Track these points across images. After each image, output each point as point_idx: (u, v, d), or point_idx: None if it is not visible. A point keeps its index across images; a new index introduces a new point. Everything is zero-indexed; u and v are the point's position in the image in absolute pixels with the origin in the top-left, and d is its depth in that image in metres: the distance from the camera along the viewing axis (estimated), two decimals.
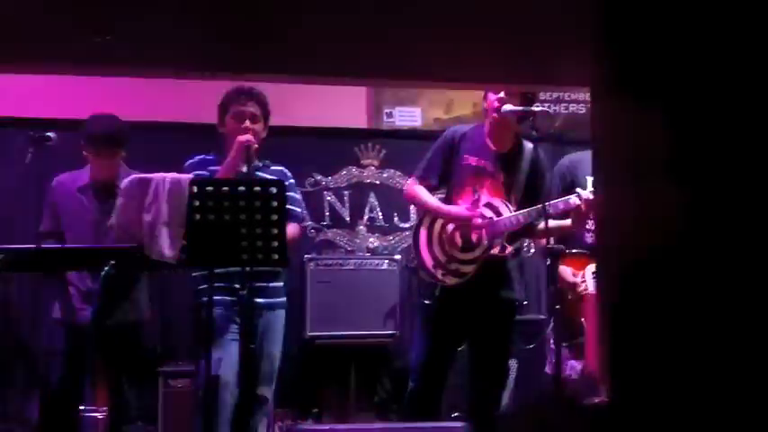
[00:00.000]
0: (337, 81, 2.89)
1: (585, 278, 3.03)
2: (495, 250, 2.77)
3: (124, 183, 2.37)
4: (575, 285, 2.88)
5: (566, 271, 2.93)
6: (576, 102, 4.58)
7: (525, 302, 3.40)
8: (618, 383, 1.61)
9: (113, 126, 2.97)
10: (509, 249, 2.79)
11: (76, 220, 2.93)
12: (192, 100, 3.66)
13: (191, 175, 2.44)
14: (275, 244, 2.37)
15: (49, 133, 2.64)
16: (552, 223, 2.70)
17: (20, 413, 3.26)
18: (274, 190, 2.36)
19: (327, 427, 2.35)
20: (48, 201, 2.97)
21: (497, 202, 2.81)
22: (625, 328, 1.63)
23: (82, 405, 2.71)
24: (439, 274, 2.79)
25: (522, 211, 2.78)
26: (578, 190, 2.73)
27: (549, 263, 2.69)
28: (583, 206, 2.69)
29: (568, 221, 2.81)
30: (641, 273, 1.67)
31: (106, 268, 2.34)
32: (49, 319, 2.94)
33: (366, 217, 4.29)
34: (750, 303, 1.21)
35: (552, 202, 2.73)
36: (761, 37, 1.19)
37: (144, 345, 3.10)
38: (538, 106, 2.75)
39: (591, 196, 2.65)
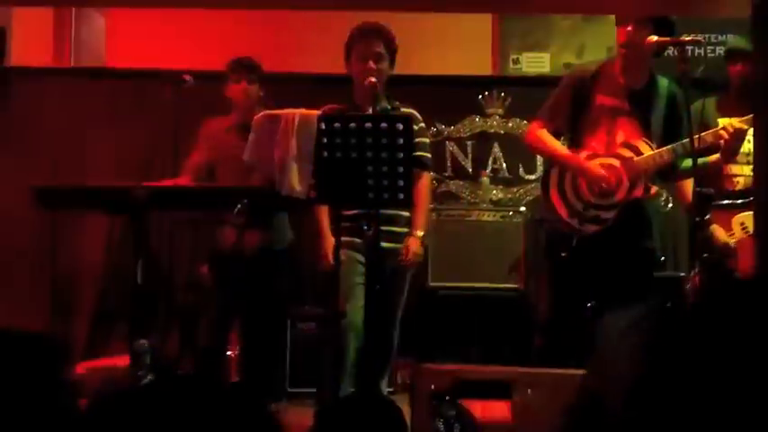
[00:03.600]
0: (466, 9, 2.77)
1: (734, 232, 2.81)
2: (638, 192, 2.58)
3: (255, 118, 2.41)
4: (727, 245, 2.74)
5: (719, 231, 2.78)
6: (721, 44, 4.19)
7: (662, 258, 3.19)
8: None
9: (248, 57, 3.13)
10: (654, 190, 2.60)
11: (224, 158, 3.06)
12: (328, 51, 3.69)
13: (319, 111, 2.44)
14: (401, 183, 2.33)
15: (185, 76, 2.73)
16: (699, 160, 2.49)
17: (161, 344, 3.46)
18: (401, 126, 2.30)
19: (455, 367, 2.30)
20: (201, 137, 3.16)
21: (637, 141, 2.62)
22: None
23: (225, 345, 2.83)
24: (576, 223, 2.64)
25: (665, 148, 2.58)
26: (725, 124, 2.57)
27: (697, 209, 2.49)
28: (731, 137, 2.52)
29: (716, 156, 2.64)
30: None
31: (239, 206, 2.40)
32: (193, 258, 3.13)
33: (489, 168, 4.17)
34: None
35: (701, 135, 2.53)
36: None
37: (285, 272, 3.23)
38: (687, 36, 2.53)
39: (744, 126, 2.48)
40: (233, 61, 3.07)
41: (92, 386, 3.70)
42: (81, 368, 3.80)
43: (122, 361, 3.73)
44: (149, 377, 2.17)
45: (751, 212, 2.81)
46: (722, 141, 2.58)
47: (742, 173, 2.86)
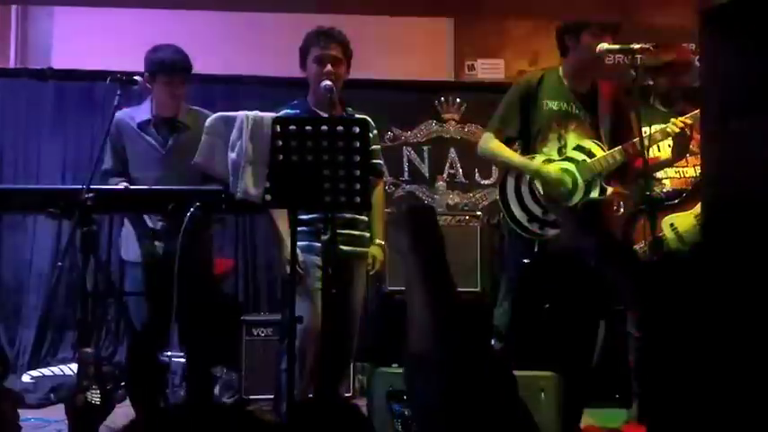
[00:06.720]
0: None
1: (664, 232, 2.89)
2: (595, 194, 2.64)
3: (209, 120, 2.36)
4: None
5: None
6: None
7: None
8: None
9: (181, 52, 2.88)
10: (610, 191, 2.66)
11: (142, 159, 2.90)
12: (274, 53, 3.65)
13: (274, 114, 2.40)
14: (357, 186, 2.31)
15: (135, 77, 2.66)
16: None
17: (111, 356, 3.37)
18: (357, 129, 2.29)
19: None
20: (110, 140, 2.89)
21: (588, 143, 2.68)
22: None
23: (167, 349, 2.75)
24: (536, 228, 2.68)
25: (616, 149, 2.65)
26: (672, 119, 2.67)
27: (648, 212, 2.56)
28: (687, 129, 2.63)
29: (666, 154, 2.75)
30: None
31: (192, 209, 2.34)
32: (120, 260, 2.99)
33: (446, 173, 4.20)
34: None
35: (650, 133, 2.62)
36: None
37: (210, 283, 3.12)
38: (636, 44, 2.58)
39: (689, 121, 2.60)
40: (174, 62, 2.82)
41: (38, 395, 3.59)
42: (27, 377, 3.67)
43: (70, 370, 3.64)
44: (94, 387, 2.10)
45: (679, 213, 2.92)
46: (672, 138, 2.67)
47: (667, 175, 2.95)
